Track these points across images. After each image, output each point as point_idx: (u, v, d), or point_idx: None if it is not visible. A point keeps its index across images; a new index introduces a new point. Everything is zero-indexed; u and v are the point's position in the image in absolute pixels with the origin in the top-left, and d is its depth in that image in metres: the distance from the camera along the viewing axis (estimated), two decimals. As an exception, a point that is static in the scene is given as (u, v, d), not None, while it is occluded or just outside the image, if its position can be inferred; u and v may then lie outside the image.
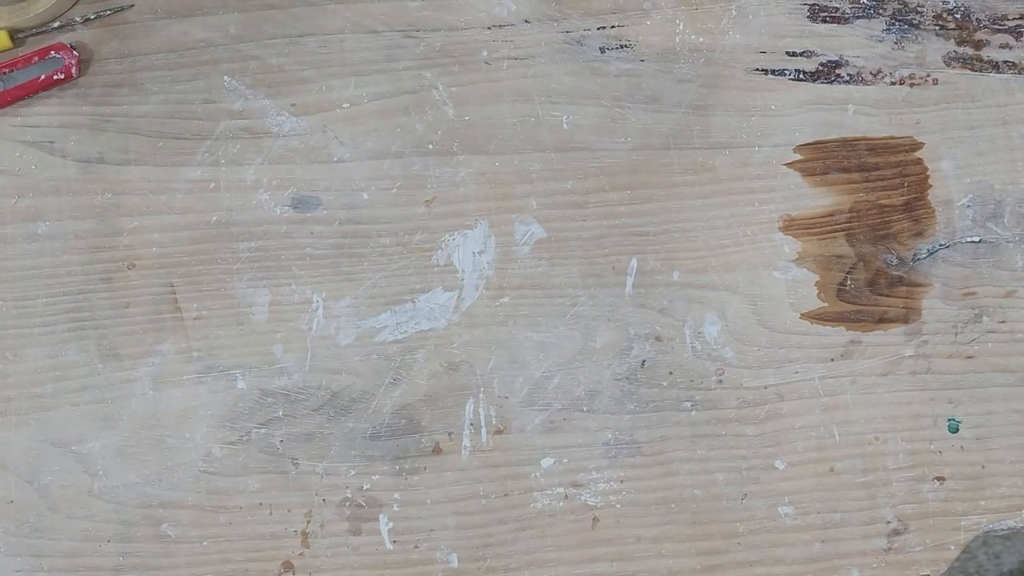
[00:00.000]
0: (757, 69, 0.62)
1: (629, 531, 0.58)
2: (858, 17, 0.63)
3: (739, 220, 0.61)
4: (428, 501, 0.58)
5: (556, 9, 0.62)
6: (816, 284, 0.61)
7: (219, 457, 0.58)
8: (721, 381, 0.60)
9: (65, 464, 0.57)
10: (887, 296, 0.61)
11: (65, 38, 0.60)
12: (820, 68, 0.62)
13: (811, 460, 0.59)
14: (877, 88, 0.62)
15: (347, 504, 0.58)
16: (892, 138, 0.62)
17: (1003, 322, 0.61)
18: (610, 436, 0.59)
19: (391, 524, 0.58)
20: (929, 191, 0.62)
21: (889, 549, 0.59)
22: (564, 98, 0.61)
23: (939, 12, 0.63)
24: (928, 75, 0.62)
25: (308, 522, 0.58)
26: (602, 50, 0.62)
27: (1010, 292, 0.61)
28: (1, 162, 0.59)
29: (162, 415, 0.58)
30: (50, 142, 0.59)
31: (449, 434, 0.59)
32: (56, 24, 0.60)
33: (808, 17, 0.63)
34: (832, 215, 0.61)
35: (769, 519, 0.59)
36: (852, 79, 0.62)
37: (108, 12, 0.60)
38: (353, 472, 0.58)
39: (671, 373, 0.60)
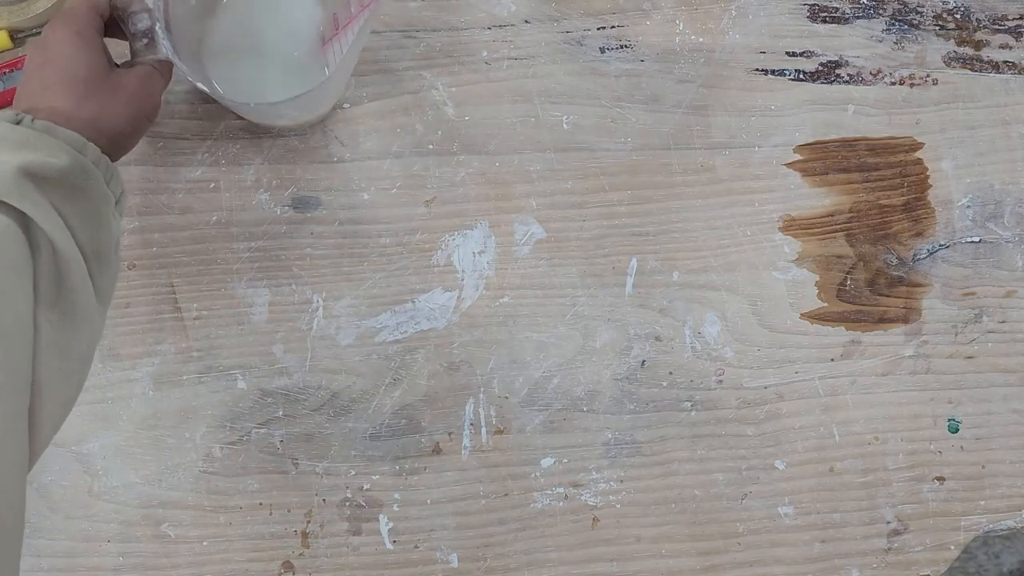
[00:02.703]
0: (757, 69, 0.62)
1: (629, 531, 0.58)
2: (858, 17, 0.63)
3: (739, 220, 0.61)
4: (428, 501, 0.58)
5: (556, 9, 0.62)
6: (816, 284, 0.61)
7: (219, 457, 0.58)
8: (721, 381, 0.60)
9: (65, 464, 0.57)
10: (887, 296, 0.61)
11: (65, 38, 0.60)
12: (820, 68, 0.62)
13: (811, 460, 0.59)
14: (877, 88, 0.62)
15: (347, 504, 0.58)
16: (892, 138, 0.62)
17: (1003, 322, 0.61)
18: (610, 436, 0.59)
19: (391, 524, 0.58)
20: (929, 191, 0.62)
21: (889, 549, 0.59)
22: (564, 98, 0.61)
23: (939, 12, 0.63)
24: (928, 75, 0.62)
25: (308, 522, 0.58)
26: (602, 50, 0.62)
27: (1010, 292, 0.61)
28: (1, 162, 0.59)
29: (162, 415, 0.58)
30: (50, 142, 0.59)
31: (449, 434, 0.59)
32: (56, 24, 0.60)
33: (808, 17, 0.63)
34: (832, 215, 0.61)
35: (769, 519, 0.59)
36: (852, 79, 0.62)
37: (108, 12, 0.60)
38: (353, 472, 0.58)
39: (671, 373, 0.60)
